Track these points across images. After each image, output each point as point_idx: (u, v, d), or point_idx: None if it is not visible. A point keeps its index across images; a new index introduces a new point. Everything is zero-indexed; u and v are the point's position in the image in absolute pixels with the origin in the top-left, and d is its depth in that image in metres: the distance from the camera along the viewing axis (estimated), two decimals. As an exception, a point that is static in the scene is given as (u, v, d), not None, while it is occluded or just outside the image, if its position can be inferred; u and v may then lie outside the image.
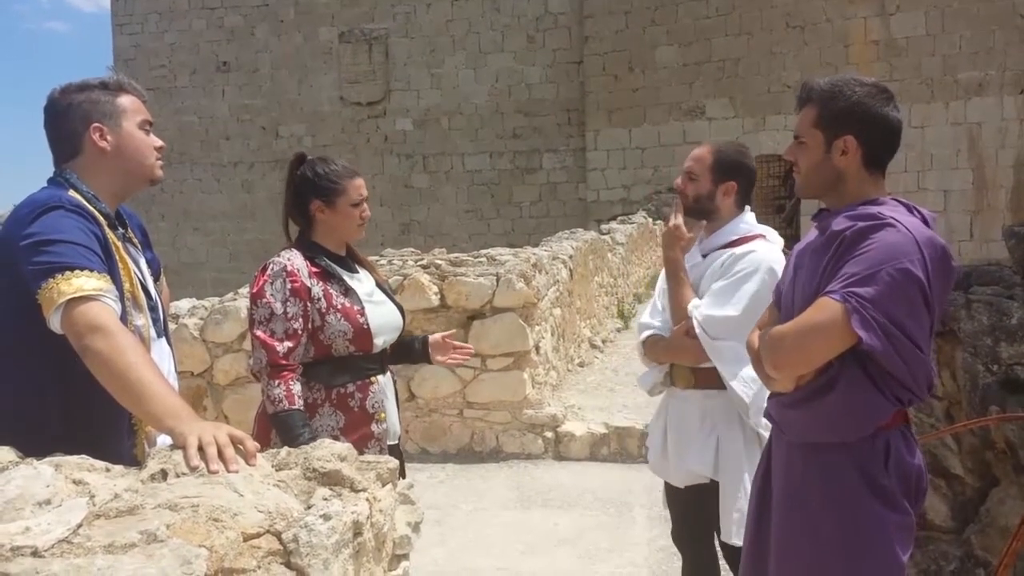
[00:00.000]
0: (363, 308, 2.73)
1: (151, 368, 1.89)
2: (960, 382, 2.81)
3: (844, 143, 2.06)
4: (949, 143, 15.55)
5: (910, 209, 2.05)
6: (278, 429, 2.59)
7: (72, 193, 2.13)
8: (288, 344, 2.60)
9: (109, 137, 2.20)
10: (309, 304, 2.65)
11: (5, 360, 2.15)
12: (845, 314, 1.88)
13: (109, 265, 2.09)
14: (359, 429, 2.69)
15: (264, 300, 2.64)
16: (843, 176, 2.09)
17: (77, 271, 1.96)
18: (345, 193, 2.77)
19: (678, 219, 2.91)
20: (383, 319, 2.80)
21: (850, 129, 2.06)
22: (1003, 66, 15.11)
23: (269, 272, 2.68)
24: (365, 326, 2.71)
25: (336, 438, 2.61)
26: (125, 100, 2.24)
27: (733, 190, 2.90)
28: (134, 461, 2.06)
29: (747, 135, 17.73)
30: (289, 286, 2.64)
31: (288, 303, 2.62)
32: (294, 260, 2.70)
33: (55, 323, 1.94)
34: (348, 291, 2.74)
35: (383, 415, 2.77)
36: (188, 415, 1.75)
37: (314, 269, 2.71)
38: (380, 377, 2.80)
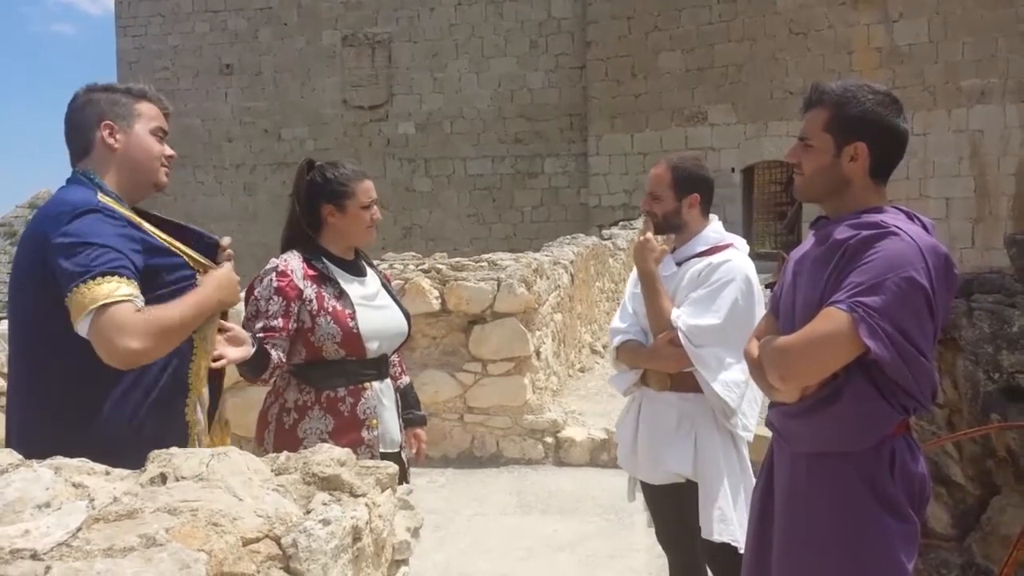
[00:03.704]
0: (354, 312, 2.73)
1: (178, 307, 2.08)
2: (961, 390, 2.80)
3: (855, 149, 2.05)
4: (951, 151, 15.54)
5: (911, 217, 2.04)
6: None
7: (101, 196, 2.12)
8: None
9: (119, 136, 2.22)
10: (295, 304, 2.67)
11: (31, 359, 2.15)
12: (852, 324, 1.87)
13: (159, 256, 2.14)
14: (348, 434, 2.68)
15: (252, 297, 2.70)
16: (848, 182, 2.08)
17: (108, 276, 1.98)
18: (355, 196, 2.79)
19: (648, 233, 3.01)
20: (378, 324, 2.79)
21: (862, 136, 2.05)
22: (1006, 74, 15.11)
23: (262, 271, 2.73)
24: (355, 330, 2.71)
25: (324, 441, 2.62)
26: (143, 106, 2.27)
27: (697, 202, 3.00)
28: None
29: (749, 141, 17.75)
30: (275, 284, 2.67)
31: (271, 301, 2.66)
32: (290, 261, 2.73)
33: (83, 328, 1.96)
34: (342, 295, 2.74)
35: (375, 422, 2.76)
36: (206, 284, 2.19)
37: (310, 272, 2.73)
38: (376, 383, 2.79)
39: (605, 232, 14.19)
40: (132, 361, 1.97)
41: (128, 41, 23.67)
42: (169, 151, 2.32)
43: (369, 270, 2.94)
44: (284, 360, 2.67)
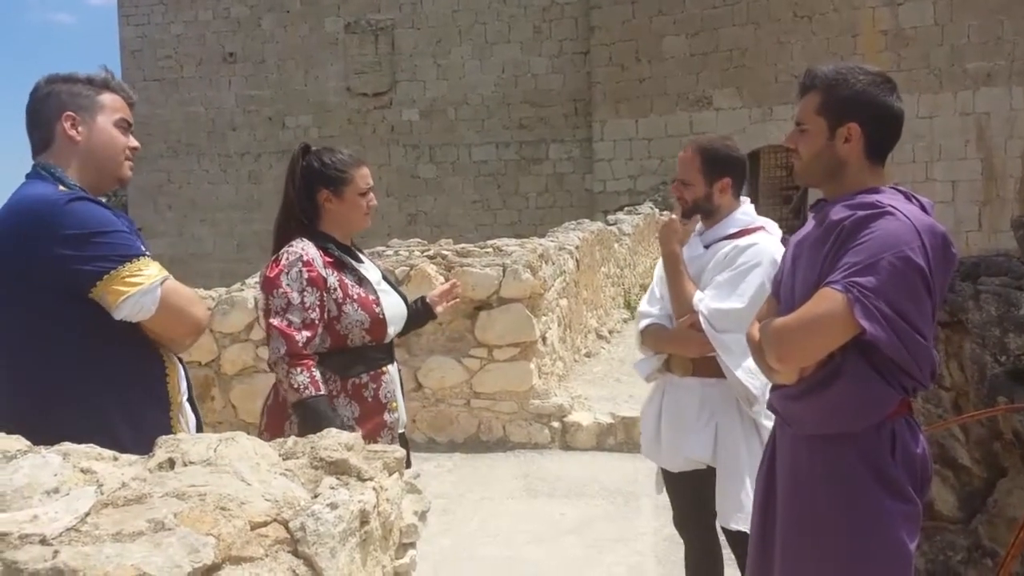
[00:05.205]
0: (378, 297, 2.73)
1: None
2: (968, 373, 2.80)
3: (848, 131, 2.05)
4: (957, 133, 15.46)
5: (908, 197, 2.04)
6: (305, 416, 2.56)
7: (61, 189, 2.08)
8: (306, 334, 2.58)
9: (80, 128, 2.16)
10: (325, 294, 2.63)
11: (26, 357, 2.10)
12: (847, 304, 1.87)
13: None
14: (373, 418, 2.70)
15: (280, 290, 2.59)
16: (844, 164, 2.08)
17: (144, 258, 2.06)
18: (352, 182, 2.76)
19: (673, 214, 2.97)
20: (393, 309, 2.81)
21: (854, 117, 2.05)
22: (1012, 56, 15.02)
23: (284, 261, 2.64)
24: (381, 316, 2.71)
25: (352, 428, 2.61)
26: (106, 97, 2.21)
27: (728, 186, 2.92)
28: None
29: (754, 125, 17.67)
30: (306, 275, 2.60)
31: (305, 292, 2.59)
32: (308, 249, 2.66)
33: (134, 305, 2.02)
34: (362, 280, 2.74)
35: (395, 404, 2.79)
36: None
37: (328, 259, 2.69)
38: (390, 367, 2.81)
39: (610, 218, 14.18)
40: (200, 330, 2.17)
41: (130, 30, 23.62)
42: (134, 143, 2.26)
43: (363, 256, 2.94)
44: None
